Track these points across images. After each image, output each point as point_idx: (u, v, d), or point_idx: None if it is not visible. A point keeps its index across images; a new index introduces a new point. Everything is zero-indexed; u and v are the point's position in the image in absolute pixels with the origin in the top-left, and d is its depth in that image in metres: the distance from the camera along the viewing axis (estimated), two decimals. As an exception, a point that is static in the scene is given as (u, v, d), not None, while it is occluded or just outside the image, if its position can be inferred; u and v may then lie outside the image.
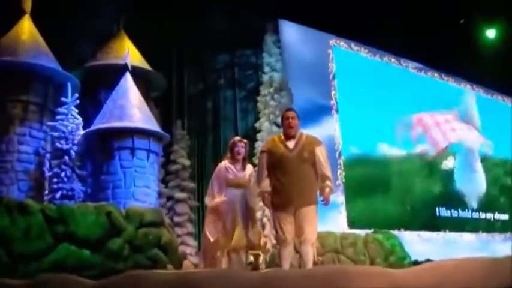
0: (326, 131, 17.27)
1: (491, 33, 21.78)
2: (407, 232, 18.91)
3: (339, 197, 17.59)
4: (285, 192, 7.78)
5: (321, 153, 8.00)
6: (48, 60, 13.22)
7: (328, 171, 7.98)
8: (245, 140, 8.86)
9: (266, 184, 7.90)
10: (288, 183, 7.77)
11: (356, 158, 18.89)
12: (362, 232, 15.88)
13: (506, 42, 21.36)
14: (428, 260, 13.31)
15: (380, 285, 5.63)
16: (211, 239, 8.21)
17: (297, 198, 7.71)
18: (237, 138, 9.02)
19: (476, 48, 21.55)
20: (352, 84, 19.67)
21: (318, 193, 7.97)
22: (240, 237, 8.23)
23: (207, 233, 8.37)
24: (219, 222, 8.32)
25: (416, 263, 13.98)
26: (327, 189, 7.86)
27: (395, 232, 16.68)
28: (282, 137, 8.06)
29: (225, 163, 8.60)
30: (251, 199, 8.58)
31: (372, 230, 15.84)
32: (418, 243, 18.82)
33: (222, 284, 5.38)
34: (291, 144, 7.95)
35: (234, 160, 8.60)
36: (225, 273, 5.82)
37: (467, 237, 21.61)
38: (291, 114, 8.20)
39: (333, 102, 18.96)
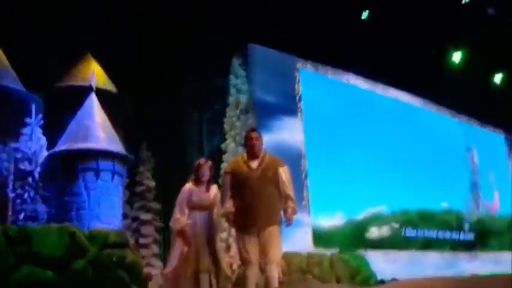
0: (292, 150, 17.31)
1: (456, 57, 22.08)
2: (373, 252, 18.97)
3: (304, 217, 17.62)
4: (249, 212, 7.73)
5: (284, 173, 7.95)
6: (12, 81, 13.16)
7: (291, 192, 7.92)
8: (210, 162, 8.75)
9: (230, 205, 7.85)
10: (252, 203, 7.73)
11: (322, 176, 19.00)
12: (328, 251, 15.92)
13: (470, 64, 21.71)
14: (394, 279, 13.39)
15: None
16: (170, 268, 8.15)
17: (261, 219, 7.66)
18: (202, 160, 8.92)
19: (442, 71, 21.85)
20: (319, 105, 19.78)
21: (281, 213, 7.95)
22: (204, 259, 8.17)
23: (169, 259, 8.31)
24: (184, 245, 8.26)
25: (382, 282, 14.04)
26: (290, 210, 7.81)
27: (362, 251, 16.76)
28: (245, 158, 8.02)
29: (189, 185, 8.47)
30: (215, 220, 8.53)
31: (338, 250, 15.89)
32: (384, 263, 18.85)
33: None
34: (254, 164, 7.89)
35: (198, 182, 8.25)
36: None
37: (433, 256, 21.72)
38: (254, 134, 8.14)
39: (299, 123, 19.04)
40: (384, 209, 20.85)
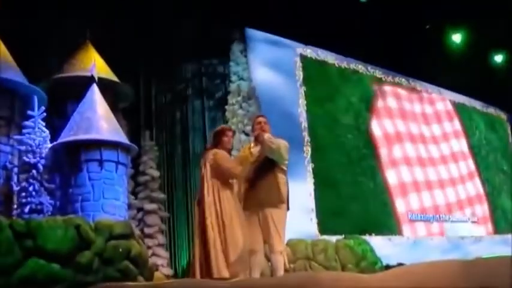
0: (294, 136, 17.30)
1: (457, 37, 22.02)
2: (378, 237, 19.00)
3: (309, 204, 17.67)
4: (247, 201, 7.80)
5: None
6: (14, 74, 13.12)
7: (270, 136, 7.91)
8: (233, 128, 8.48)
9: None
10: (248, 191, 7.80)
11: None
12: (333, 238, 15.94)
13: (472, 47, 21.63)
14: (400, 264, 13.40)
15: (352, 291, 5.65)
16: None
17: (258, 206, 7.69)
18: (225, 126, 8.76)
19: (442, 53, 21.77)
20: (320, 91, 19.82)
21: (284, 198, 7.94)
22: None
23: None
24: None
25: (388, 267, 14.05)
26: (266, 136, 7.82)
27: (366, 237, 16.78)
28: (252, 144, 8.06)
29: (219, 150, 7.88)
30: None
31: (343, 236, 15.90)
32: (389, 247, 18.89)
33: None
34: (255, 150, 7.94)
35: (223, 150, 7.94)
36: (195, 283, 5.81)
37: (438, 239, 21.74)
38: (262, 119, 8.24)
39: (300, 110, 19.04)
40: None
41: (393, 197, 20.74)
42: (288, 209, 8.02)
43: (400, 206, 20.86)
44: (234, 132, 8.17)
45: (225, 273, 7.08)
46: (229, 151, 8.02)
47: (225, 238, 7.28)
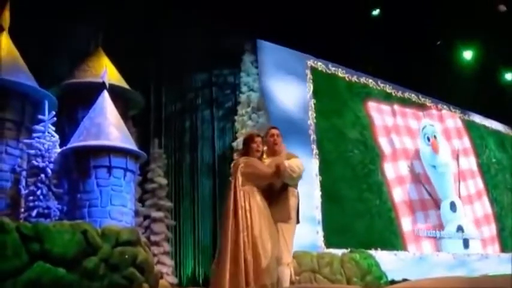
0: (303, 148, 17.31)
1: (468, 54, 22.05)
2: (384, 252, 18.98)
3: (316, 216, 17.68)
4: None
5: (290, 161, 7.97)
6: (25, 78, 13.13)
7: (291, 163, 7.92)
8: (264, 134, 8.38)
9: None
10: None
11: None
12: (339, 251, 15.93)
13: (483, 64, 21.65)
14: (405, 280, 13.38)
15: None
16: None
17: (273, 218, 7.72)
18: (255, 132, 8.72)
19: (453, 69, 21.81)
20: (328, 104, 19.85)
21: (290, 211, 7.97)
22: None
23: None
24: None
25: (393, 282, 14.03)
26: (286, 163, 7.80)
27: (372, 251, 16.75)
28: (264, 155, 8.06)
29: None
30: None
31: (349, 250, 15.88)
32: (395, 262, 18.87)
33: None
34: (266, 161, 7.97)
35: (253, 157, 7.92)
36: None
37: (444, 256, 21.70)
38: (275, 131, 8.25)
39: (310, 122, 19.06)
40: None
41: (399, 214, 20.70)
42: (298, 222, 8.07)
43: (406, 224, 20.82)
44: (263, 138, 8.11)
45: (251, 283, 7.04)
46: (259, 157, 7.95)
47: (255, 249, 7.23)
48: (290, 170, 7.75)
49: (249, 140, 7.96)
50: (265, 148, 8.08)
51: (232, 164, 8.29)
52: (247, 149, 7.90)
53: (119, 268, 9.86)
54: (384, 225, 20.03)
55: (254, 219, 7.35)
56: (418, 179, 22.05)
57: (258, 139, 7.95)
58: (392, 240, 20.06)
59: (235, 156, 16.82)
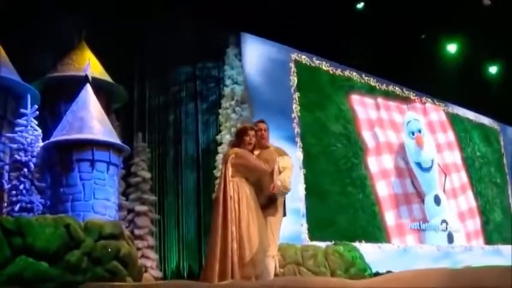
0: (287, 141, 17.29)
1: (452, 48, 22.10)
2: (368, 244, 19.03)
3: (300, 209, 17.70)
4: None
5: (280, 162, 8.13)
6: (8, 72, 13.06)
7: (284, 176, 8.08)
8: (256, 128, 8.42)
9: None
10: None
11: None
12: (323, 244, 15.95)
13: (467, 57, 21.71)
14: (389, 272, 13.42)
15: (340, 297, 5.66)
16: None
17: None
18: (249, 125, 8.77)
19: (437, 63, 21.86)
20: (312, 97, 19.83)
21: (277, 205, 8.07)
22: None
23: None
24: None
25: (377, 274, 14.05)
26: (279, 183, 7.95)
27: (356, 244, 16.80)
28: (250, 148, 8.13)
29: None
30: None
31: (333, 242, 15.91)
32: (379, 255, 18.92)
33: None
34: (256, 154, 8.07)
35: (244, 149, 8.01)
36: (182, 285, 5.81)
37: (428, 248, 21.76)
38: (263, 125, 8.35)
39: (294, 115, 19.07)
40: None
41: (383, 208, 20.73)
42: (284, 215, 8.17)
43: (390, 218, 20.85)
44: (256, 132, 8.15)
45: (237, 275, 7.12)
46: (251, 150, 8.03)
47: (241, 241, 7.32)
48: (283, 188, 7.94)
49: (242, 133, 8.06)
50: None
51: (223, 155, 8.44)
52: (239, 141, 8.01)
53: (102, 262, 9.82)
54: (367, 219, 20.03)
55: (242, 211, 7.43)
56: (402, 172, 22.07)
57: (252, 132, 8.04)
58: (376, 234, 20.07)
59: (219, 149, 16.83)
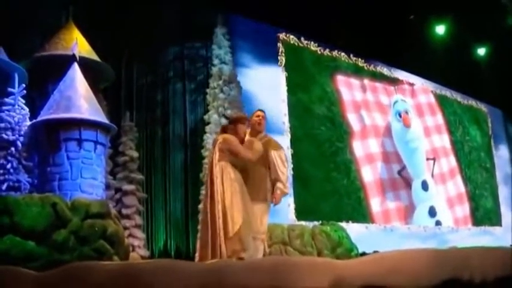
0: (275, 122, 17.31)
1: (440, 29, 22.11)
2: (355, 224, 19.09)
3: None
4: None
5: (277, 156, 8.38)
6: (-6, 51, 13.03)
7: (281, 175, 8.35)
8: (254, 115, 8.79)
9: None
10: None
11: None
12: (310, 224, 16.01)
13: (456, 39, 21.73)
14: (375, 252, 13.50)
15: (326, 276, 5.72)
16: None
17: (249, 195, 7.99)
18: (244, 115, 9.10)
19: (425, 44, 21.88)
20: (296, 78, 19.76)
21: (269, 193, 8.32)
22: None
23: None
24: None
25: (363, 254, 14.12)
26: (278, 191, 8.28)
27: (343, 224, 16.85)
28: (248, 134, 8.43)
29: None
30: None
31: (320, 222, 15.96)
32: (366, 235, 18.98)
33: (166, 275, 5.41)
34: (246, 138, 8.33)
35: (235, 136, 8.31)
36: (169, 264, 5.84)
37: (415, 228, 21.84)
38: (261, 113, 8.76)
39: (282, 96, 19.08)
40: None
41: (368, 194, 20.68)
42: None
43: (376, 204, 20.83)
44: (249, 122, 8.57)
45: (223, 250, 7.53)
46: (242, 140, 8.30)
47: (225, 219, 7.67)
48: (284, 193, 8.54)
49: (238, 121, 8.41)
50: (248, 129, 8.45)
51: (213, 140, 8.74)
52: (233, 127, 8.33)
53: (89, 241, 9.86)
54: (352, 205, 20.03)
55: (226, 191, 7.75)
56: (389, 157, 21.99)
57: (246, 124, 8.45)
58: (361, 220, 20.04)
59: (207, 129, 16.83)
